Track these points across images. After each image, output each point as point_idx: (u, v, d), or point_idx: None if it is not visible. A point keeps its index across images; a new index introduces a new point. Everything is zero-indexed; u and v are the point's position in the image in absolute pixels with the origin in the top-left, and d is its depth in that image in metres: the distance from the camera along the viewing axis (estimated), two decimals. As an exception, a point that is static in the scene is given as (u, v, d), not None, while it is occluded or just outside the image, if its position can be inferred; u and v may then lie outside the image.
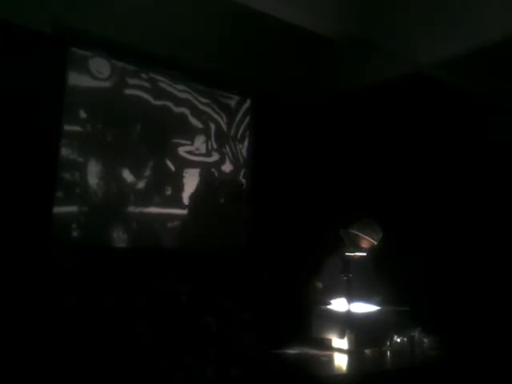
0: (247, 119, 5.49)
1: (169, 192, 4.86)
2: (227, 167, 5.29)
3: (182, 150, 4.97)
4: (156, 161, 4.80)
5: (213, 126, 5.22)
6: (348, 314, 2.97)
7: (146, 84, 4.79)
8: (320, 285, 3.62)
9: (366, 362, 2.81)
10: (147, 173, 4.74)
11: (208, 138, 5.17)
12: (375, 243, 3.54)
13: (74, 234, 4.31)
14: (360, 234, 3.51)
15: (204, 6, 3.86)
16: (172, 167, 4.90)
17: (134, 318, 3.78)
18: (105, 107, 4.57)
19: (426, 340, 3.05)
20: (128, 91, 4.69)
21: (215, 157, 5.22)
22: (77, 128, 4.40)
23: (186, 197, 4.96)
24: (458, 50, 4.14)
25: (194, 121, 5.08)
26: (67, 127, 4.34)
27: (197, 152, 5.08)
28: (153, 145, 4.80)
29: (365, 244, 3.52)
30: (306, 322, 3.10)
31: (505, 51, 3.96)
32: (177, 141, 4.95)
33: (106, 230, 4.48)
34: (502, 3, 3.60)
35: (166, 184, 4.85)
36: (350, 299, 3.02)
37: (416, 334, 3.04)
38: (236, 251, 5.19)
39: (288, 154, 5.56)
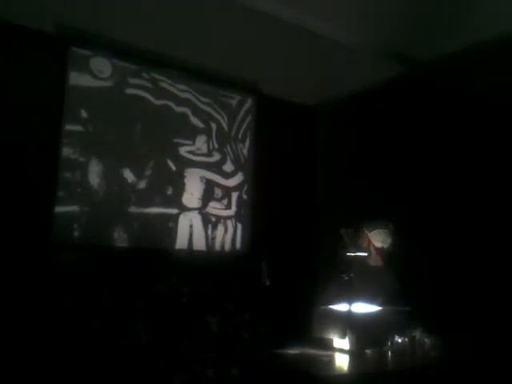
0: (248, 119, 5.48)
1: (170, 192, 4.86)
2: (228, 167, 5.28)
3: (183, 150, 4.96)
4: (157, 160, 4.79)
5: (214, 126, 5.21)
6: (349, 313, 2.96)
7: (147, 84, 4.79)
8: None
9: (367, 362, 2.80)
10: (148, 173, 4.73)
11: (209, 138, 5.17)
12: (385, 247, 3.45)
13: (75, 233, 4.30)
14: (369, 237, 3.44)
15: (204, 5, 3.86)
16: (173, 167, 4.89)
17: (134, 317, 3.77)
18: (106, 107, 4.57)
19: (427, 340, 3.03)
20: (129, 91, 4.69)
21: (216, 157, 5.21)
22: (78, 128, 4.40)
23: (186, 197, 4.96)
24: (458, 50, 4.14)
25: (195, 120, 5.07)
26: (68, 127, 4.34)
27: (198, 152, 5.08)
28: (154, 144, 4.79)
29: (373, 247, 3.45)
30: (306, 321, 3.08)
31: (505, 51, 3.96)
32: (178, 140, 4.94)
33: (106, 230, 4.47)
34: (501, 3, 3.59)
35: (166, 184, 4.84)
36: (351, 299, 3.01)
37: (417, 334, 3.03)
38: (236, 251, 5.19)
39: (288, 154, 5.55)
